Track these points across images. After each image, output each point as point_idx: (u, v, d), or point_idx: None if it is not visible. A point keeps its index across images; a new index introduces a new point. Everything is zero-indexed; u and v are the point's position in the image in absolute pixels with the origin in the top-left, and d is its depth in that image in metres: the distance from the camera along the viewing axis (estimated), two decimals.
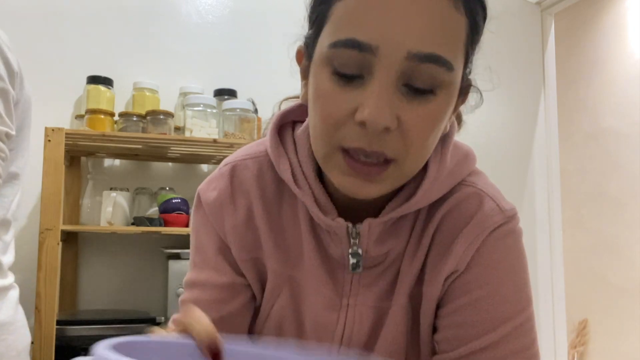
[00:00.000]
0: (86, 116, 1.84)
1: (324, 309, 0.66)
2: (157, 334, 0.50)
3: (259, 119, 2.00)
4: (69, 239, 1.91)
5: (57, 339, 1.57)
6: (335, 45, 0.53)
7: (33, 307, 1.56)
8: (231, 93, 2.06)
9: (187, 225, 1.88)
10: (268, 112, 0.82)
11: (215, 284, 0.67)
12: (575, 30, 3.52)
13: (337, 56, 0.53)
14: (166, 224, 1.83)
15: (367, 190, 0.56)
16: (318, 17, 0.58)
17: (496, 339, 0.61)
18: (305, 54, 0.62)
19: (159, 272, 2.02)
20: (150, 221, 1.82)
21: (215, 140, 1.83)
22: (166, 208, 1.86)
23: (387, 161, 0.55)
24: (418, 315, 0.66)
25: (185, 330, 0.48)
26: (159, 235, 1.93)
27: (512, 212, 0.65)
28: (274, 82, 1.75)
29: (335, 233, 0.63)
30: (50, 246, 1.57)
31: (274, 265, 0.67)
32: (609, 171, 3.29)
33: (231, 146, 1.82)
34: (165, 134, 1.86)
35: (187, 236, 2.04)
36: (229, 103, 1.97)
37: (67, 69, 2.00)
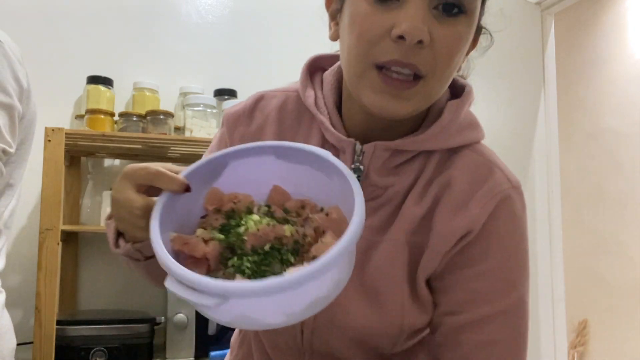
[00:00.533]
0: (86, 116, 1.84)
1: None
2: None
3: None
4: (69, 239, 1.91)
5: (57, 339, 1.57)
6: None
7: (33, 307, 1.56)
8: (231, 93, 2.06)
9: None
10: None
11: None
12: (575, 30, 3.52)
13: None
14: None
15: (398, 106, 0.61)
16: None
17: (504, 307, 0.65)
18: None
19: None
20: None
21: None
22: None
23: (416, 77, 0.60)
24: (417, 261, 0.67)
25: (149, 187, 0.59)
26: None
27: (518, 184, 0.69)
28: (274, 82, 1.74)
29: (343, 151, 0.68)
30: (50, 246, 1.57)
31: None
32: (609, 171, 3.29)
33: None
34: (165, 134, 1.86)
35: None
36: (229, 103, 1.97)
37: (67, 69, 2.00)
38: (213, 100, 1.98)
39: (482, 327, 0.65)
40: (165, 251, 0.49)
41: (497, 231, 0.66)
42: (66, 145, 1.66)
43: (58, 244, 1.58)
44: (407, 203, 0.68)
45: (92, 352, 1.61)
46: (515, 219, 0.68)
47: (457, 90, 0.74)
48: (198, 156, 1.99)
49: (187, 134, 1.90)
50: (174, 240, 0.53)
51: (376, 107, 0.62)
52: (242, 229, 0.54)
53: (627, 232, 3.15)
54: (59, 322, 1.59)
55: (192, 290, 0.46)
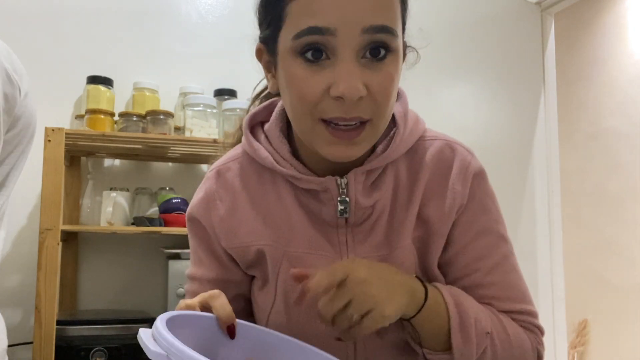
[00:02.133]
0: (86, 116, 1.84)
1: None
2: (185, 306, 0.61)
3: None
4: (69, 239, 1.91)
5: (57, 339, 1.57)
6: (298, 36, 0.62)
7: (33, 307, 1.56)
8: (231, 93, 2.06)
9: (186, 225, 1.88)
10: (229, 138, 0.85)
11: (208, 279, 0.78)
12: (575, 30, 3.52)
13: (302, 45, 0.63)
14: (166, 224, 1.83)
15: (351, 152, 0.66)
16: (273, 19, 0.67)
17: (499, 258, 0.75)
18: (266, 51, 0.71)
19: (159, 272, 2.02)
20: (150, 221, 1.82)
21: (215, 140, 1.83)
22: (166, 208, 1.86)
23: (362, 123, 0.64)
24: (426, 253, 0.75)
25: (205, 306, 0.61)
26: (159, 235, 1.93)
27: (470, 148, 0.78)
28: None
29: (325, 191, 0.72)
30: (50, 246, 1.57)
31: (267, 244, 0.74)
32: (609, 171, 3.29)
33: (231, 146, 1.81)
34: (165, 134, 1.86)
35: (187, 236, 2.03)
36: (229, 103, 1.97)
37: (67, 69, 2.00)
38: (213, 100, 1.98)
39: (482, 281, 0.75)
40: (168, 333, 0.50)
41: (477, 196, 0.76)
42: (66, 145, 1.66)
43: (58, 244, 1.58)
44: (399, 209, 0.74)
45: (92, 352, 1.61)
46: (484, 181, 0.77)
47: None
48: (198, 156, 2.00)
49: (187, 134, 1.90)
50: None
51: (331, 156, 0.66)
52: None
53: (627, 232, 3.15)
54: (59, 322, 1.59)
55: None
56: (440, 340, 0.70)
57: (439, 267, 0.76)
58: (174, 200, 1.87)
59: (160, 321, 0.52)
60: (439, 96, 2.47)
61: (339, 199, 0.72)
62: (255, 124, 0.80)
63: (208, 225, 0.77)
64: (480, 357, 0.70)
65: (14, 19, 1.96)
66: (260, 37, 0.72)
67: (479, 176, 0.76)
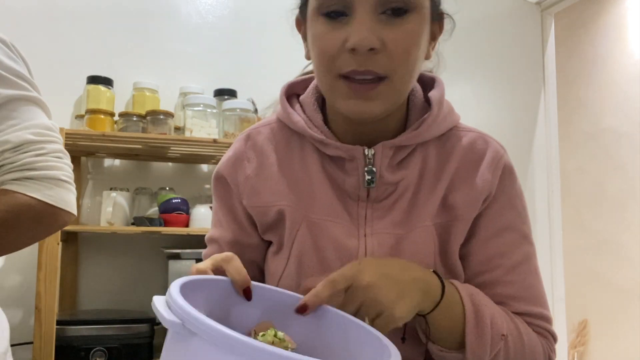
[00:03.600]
0: (86, 116, 1.84)
1: (344, 237, 0.73)
2: (196, 270, 0.61)
3: (259, 119, 1.99)
4: (69, 239, 1.91)
5: (57, 339, 1.57)
6: None
7: (33, 307, 1.56)
8: (231, 93, 2.06)
9: (187, 225, 1.88)
10: (268, 112, 0.86)
11: (225, 241, 0.80)
12: (575, 30, 3.52)
13: (322, 3, 0.67)
14: (166, 224, 1.83)
15: (366, 107, 0.67)
16: None
17: (521, 258, 0.75)
18: (301, 19, 0.75)
19: (159, 272, 2.02)
20: (150, 221, 1.82)
21: (215, 140, 1.83)
22: (166, 208, 1.86)
23: (379, 79, 0.66)
24: (447, 240, 0.74)
25: (219, 269, 0.61)
26: (159, 235, 1.93)
27: (504, 148, 0.79)
28: (273, 82, 1.74)
29: (352, 160, 0.73)
30: (50, 246, 1.57)
31: (289, 205, 0.75)
32: (609, 171, 3.29)
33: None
34: (165, 134, 1.86)
35: (187, 236, 2.03)
36: (229, 103, 1.97)
37: (67, 69, 2.00)
38: (213, 100, 1.98)
39: (502, 279, 0.74)
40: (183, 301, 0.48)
41: (506, 192, 0.76)
42: (66, 145, 1.65)
43: (58, 244, 1.58)
44: (423, 191, 0.74)
45: (92, 352, 1.61)
46: (515, 179, 0.78)
47: (428, 84, 0.81)
48: (198, 156, 2.00)
49: (187, 134, 1.90)
50: None
51: (350, 111, 0.68)
52: (259, 335, 0.58)
53: (627, 232, 3.15)
54: (59, 322, 1.59)
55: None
56: (454, 338, 0.69)
57: (460, 259, 0.76)
58: (174, 200, 1.87)
59: (174, 288, 0.51)
60: None
61: (365, 169, 0.73)
62: (291, 95, 0.82)
63: (233, 183, 0.79)
64: (493, 358, 0.70)
65: (14, 19, 1.96)
66: (298, 8, 0.76)
67: (510, 172, 0.77)
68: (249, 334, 0.58)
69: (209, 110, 1.95)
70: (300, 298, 0.62)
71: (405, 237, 0.73)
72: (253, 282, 0.62)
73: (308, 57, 0.75)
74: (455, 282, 0.71)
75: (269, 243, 0.80)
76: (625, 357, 3.08)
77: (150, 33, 2.12)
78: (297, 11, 0.76)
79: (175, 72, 2.12)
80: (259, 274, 0.82)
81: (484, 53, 2.56)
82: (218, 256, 0.62)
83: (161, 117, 1.88)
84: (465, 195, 0.74)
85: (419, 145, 0.76)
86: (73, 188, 0.97)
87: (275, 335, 0.57)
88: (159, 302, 0.50)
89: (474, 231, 0.75)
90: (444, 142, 0.77)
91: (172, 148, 1.89)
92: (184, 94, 2.03)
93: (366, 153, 0.73)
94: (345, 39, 0.65)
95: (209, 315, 0.46)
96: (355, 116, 0.68)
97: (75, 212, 0.97)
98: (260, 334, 0.57)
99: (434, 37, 0.74)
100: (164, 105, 1.99)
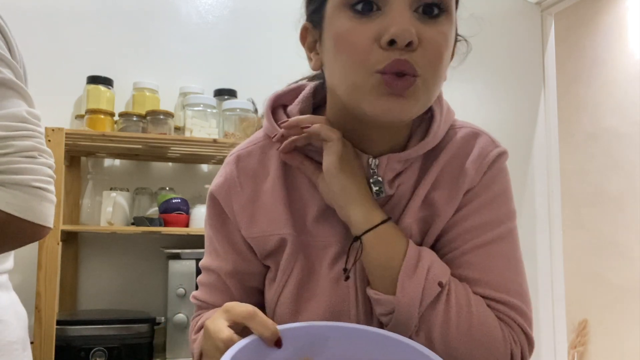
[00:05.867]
0: (86, 116, 1.84)
1: (338, 256, 0.71)
2: (225, 343, 0.57)
3: (259, 119, 1.99)
4: (69, 239, 1.91)
5: (57, 339, 1.57)
6: None
7: (33, 307, 1.56)
8: (231, 93, 2.06)
9: (187, 225, 1.88)
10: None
11: (225, 272, 0.76)
12: (575, 30, 3.52)
13: None
14: (166, 224, 1.83)
15: (400, 107, 0.62)
16: None
17: (493, 237, 0.70)
18: (312, 27, 0.71)
19: (159, 272, 2.02)
20: (150, 221, 1.82)
21: (215, 140, 1.83)
22: (166, 208, 1.86)
23: (414, 76, 0.61)
24: (425, 232, 0.72)
25: (238, 326, 0.58)
26: (159, 235, 1.93)
27: (500, 143, 0.76)
28: (274, 82, 1.75)
29: None
30: (50, 246, 1.57)
31: (290, 234, 0.72)
32: (609, 171, 3.29)
33: (231, 146, 1.82)
34: (165, 134, 1.86)
35: (187, 236, 2.03)
36: (229, 103, 1.97)
37: (67, 69, 2.00)
38: (213, 100, 1.98)
39: (480, 250, 0.69)
40: None
41: (491, 188, 0.72)
42: (66, 145, 1.66)
43: (58, 244, 1.59)
44: (415, 194, 0.71)
45: (92, 352, 1.61)
46: (503, 176, 0.74)
47: None
48: (198, 156, 2.00)
49: (187, 134, 1.90)
50: None
51: (380, 110, 0.62)
52: None
53: (627, 232, 3.15)
54: (59, 322, 1.59)
55: None
56: (389, 275, 0.65)
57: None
58: (174, 200, 1.87)
59: None
60: None
61: (371, 180, 0.69)
62: (277, 106, 0.78)
63: (229, 210, 0.75)
64: (428, 312, 0.64)
65: (14, 19, 1.95)
66: (307, 16, 0.72)
67: (498, 167, 0.73)
68: None
69: (209, 110, 1.95)
70: (334, 325, 0.61)
71: None
72: (279, 327, 0.59)
73: (317, 67, 0.71)
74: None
75: (268, 268, 0.78)
76: (625, 357, 3.08)
77: (150, 33, 2.12)
78: (303, 19, 0.72)
79: (175, 72, 2.12)
80: (262, 299, 0.79)
81: (484, 53, 2.56)
82: (237, 313, 0.59)
83: (161, 117, 1.88)
84: (447, 192, 0.71)
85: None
86: (49, 194, 0.82)
87: None
88: None
89: (452, 225, 0.71)
90: (439, 143, 0.74)
91: (172, 148, 1.89)
92: (184, 94, 2.03)
93: (369, 162, 0.70)
94: (379, 34, 0.60)
95: None
96: (386, 116, 0.62)
97: (50, 223, 0.84)
98: None
99: (452, 50, 0.70)
100: (164, 105, 1.99)
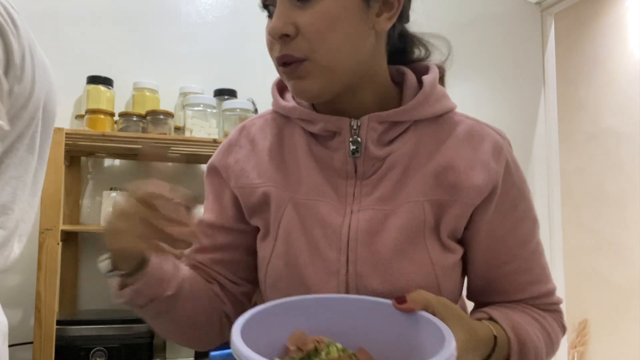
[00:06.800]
0: (86, 116, 1.84)
1: (330, 215, 0.73)
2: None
3: None
4: (69, 239, 1.91)
5: (57, 339, 1.57)
6: None
7: (33, 307, 1.56)
8: (231, 93, 2.06)
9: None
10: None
11: (206, 222, 0.82)
12: (575, 30, 3.52)
13: (260, 3, 0.74)
14: None
15: (300, 85, 0.70)
16: None
17: (535, 245, 0.79)
18: None
19: None
20: None
21: (215, 140, 1.83)
22: None
23: (300, 61, 0.69)
24: (440, 216, 0.73)
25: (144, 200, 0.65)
26: None
27: (502, 132, 0.79)
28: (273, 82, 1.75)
29: (339, 133, 0.74)
30: (50, 246, 1.57)
31: (274, 187, 0.76)
32: (609, 171, 3.29)
33: None
34: (165, 134, 1.86)
35: None
36: (229, 103, 1.97)
37: (67, 69, 2.00)
38: (213, 100, 1.98)
39: (522, 267, 0.78)
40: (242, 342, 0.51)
41: (514, 181, 0.77)
42: (66, 145, 1.65)
43: (58, 244, 1.58)
44: (415, 167, 0.74)
45: (92, 352, 1.61)
46: (519, 167, 0.79)
47: (423, 72, 0.81)
48: (198, 156, 2.00)
49: (187, 134, 1.90)
50: None
51: (293, 91, 0.72)
52: (323, 354, 0.57)
53: (627, 232, 3.15)
54: (59, 322, 1.59)
55: None
56: None
57: (470, 244, 0.77)
58: None
59: (235, 335, 0.52)
60: None
61: (350, 139, 0.74)
62: (284, 86, 0.84)
63: (223, 168, 0.82)
64: None
65: None
66: None
67: (513, 160, 0.78)
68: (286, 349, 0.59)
69: (209, 110, 1.95)
70: (327, 298, 0.65)
71: (392, 212, 0.72)
72: (288, 298, 0.64)
73: None
74: (497, 316, 0.73)
75: (256, 231, 0.81)
76: (625, 357, 3.08)
77: (150, 33, 2.12)
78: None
79: (175, 72, 2.12)
80: (238, 258, 0.83)
81: (484, 53, 2.56)
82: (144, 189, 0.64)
83: (161, 117, 1.88)
84: (467, 179, 0.73)
85: (413, 125, 0.76)
86: None
87: (338, 349, 0.58)
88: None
89: (492, 226, 0.76)
90: (440, 124, 0.77)
91: (172, 148, 1.89)
92: (184, 94, 2.03)
93: (352, 124, 0.74)
94: None
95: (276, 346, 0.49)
96: (297, 96, 0.73)
97: None
98: (323, 352, 0.57)
99: (386, 3, 0.72)
100: (164, 105, 1.99)
